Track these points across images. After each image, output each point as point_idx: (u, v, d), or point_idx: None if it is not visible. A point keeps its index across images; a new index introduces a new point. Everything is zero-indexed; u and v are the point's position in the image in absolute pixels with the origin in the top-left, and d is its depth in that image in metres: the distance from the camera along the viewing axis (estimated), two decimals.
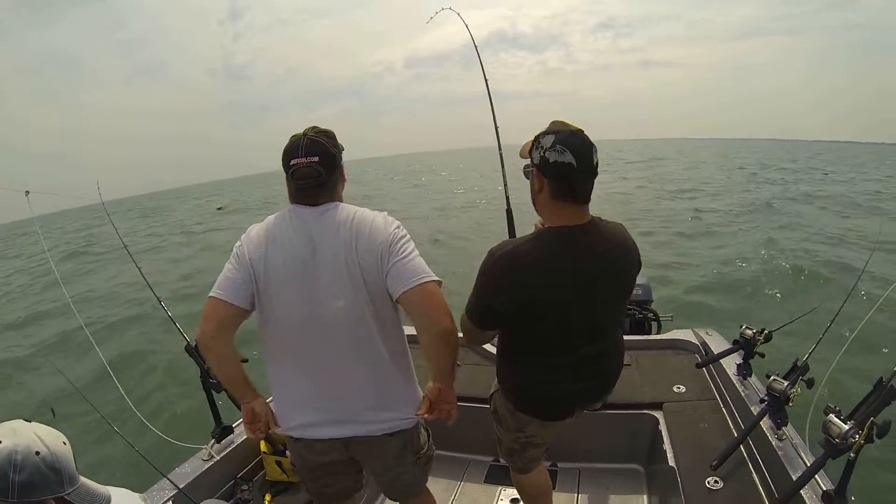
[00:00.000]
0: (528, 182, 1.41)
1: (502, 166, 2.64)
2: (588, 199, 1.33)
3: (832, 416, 1.38)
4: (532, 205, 1.42)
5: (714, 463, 1.74)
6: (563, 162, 1.25)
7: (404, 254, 1.32)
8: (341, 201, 1.41)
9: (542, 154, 1.28)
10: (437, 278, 1.32)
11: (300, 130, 1.36)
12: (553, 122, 1.33)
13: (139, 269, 2.33)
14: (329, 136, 1.37)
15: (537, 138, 1.31)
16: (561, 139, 1.26)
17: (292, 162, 1.33)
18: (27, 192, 2.24)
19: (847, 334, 1.89)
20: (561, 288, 1.31)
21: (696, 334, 2.67)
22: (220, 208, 32.52)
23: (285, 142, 1.37)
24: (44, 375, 6.31)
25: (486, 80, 2.76)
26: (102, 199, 2.60)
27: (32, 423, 0.89)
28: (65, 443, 0.89)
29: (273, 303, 1.33)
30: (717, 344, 2.49)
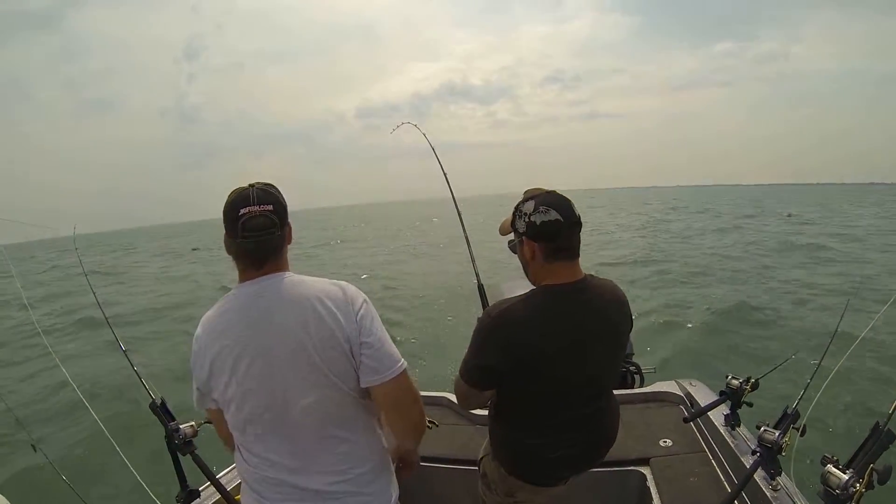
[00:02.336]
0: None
1: (468, 244, 2.71)
2: (578, 254, 1.36)
3: (830, 467, 1.35)
4: (525, 275, 1.44)
5: None
6: (550, 220, 1.29)
7: (373, 338, 1.17)
8: (287, 268, 1.24)
9: (527, 220, 1.32)
10: (405, 363, 1.21)
11: (248, 175, 1.25)
12: (527, 191, 1.37)
13: (107, 320, 2.19)
14: (277, 189, 1.22)
15: (517, 209, 1.35)
16: (541, 201, 1.31)
17: (242, 211, 1.14)
18: None
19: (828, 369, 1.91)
20: (557, 345, 1.31)
21: (681, 385, 2.65)
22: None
23: (232, 186, 1.21)
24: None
25: (445, 177, 2.88)
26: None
27: None
28: None
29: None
30: (701, 395, 2.48)
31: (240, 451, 1.26)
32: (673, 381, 2.72)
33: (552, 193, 1.33)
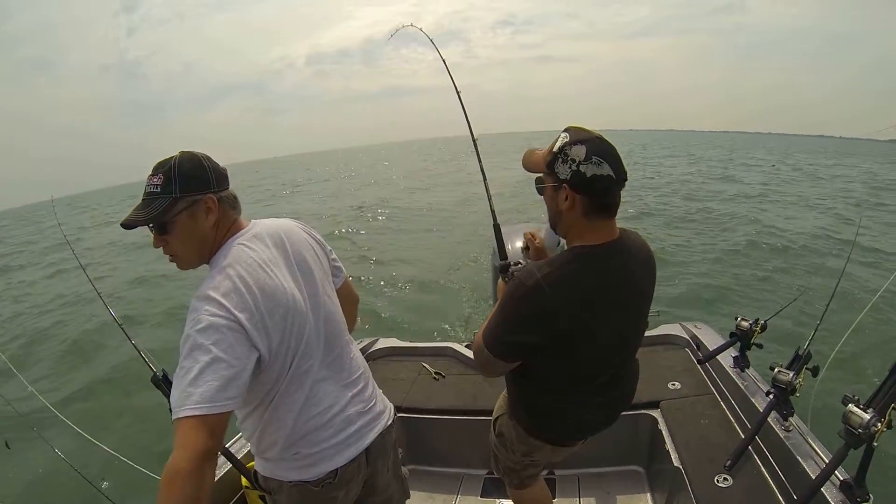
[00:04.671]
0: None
1: (485, 182, 2.36)
2: (616, 212, 1.21)
3: (852, 406, 1.35)
4: (550, 223, 1.29)
5: (728, 463, 1.70)
6: (602, 175, 1.12)
7: None
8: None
9: (574, 167, 1.13)
10: None
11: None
12: (572, 129, 1.18)
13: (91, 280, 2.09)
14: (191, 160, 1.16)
15: (563, 150, 1.15)
16: (594, 149, 1.13)
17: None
18: None
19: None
20: (599, 314, 1.21)
21: (686, 328, 2.65)
22: None
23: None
24: None
25: (457, 93, 2.35)
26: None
27: None
28: None
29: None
30: (708, 337, 2.48)
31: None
32: (677, 324, 2.71)
33: (604, 142, 1.14)
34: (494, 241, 2.16)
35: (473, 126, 2.30)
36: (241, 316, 1.03)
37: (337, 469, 1.24)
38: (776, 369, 1.74)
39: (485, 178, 2.33)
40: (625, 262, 1.24)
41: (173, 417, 0.96)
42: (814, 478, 1.49)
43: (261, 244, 1.19)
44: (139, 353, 1.83)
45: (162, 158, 1.14)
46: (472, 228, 12.04)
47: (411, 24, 2.61)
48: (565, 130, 1.19)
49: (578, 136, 1.15)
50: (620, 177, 1.14)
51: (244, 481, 1.86)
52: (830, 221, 12.02)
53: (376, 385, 1.43)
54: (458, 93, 2.28)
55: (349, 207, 18.97)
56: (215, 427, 0.96)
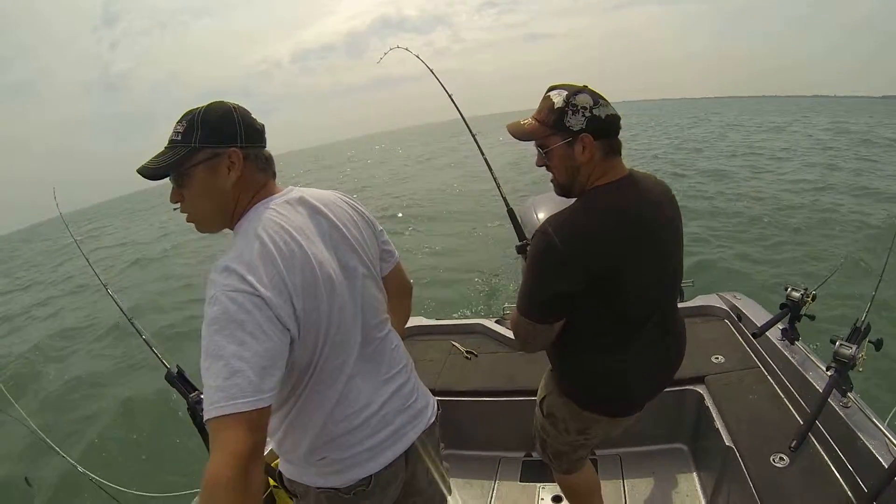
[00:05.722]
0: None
1: (490, 169, 2.38)
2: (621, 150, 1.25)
3: None
4: (561, 189, 1.27)
5: (793, 444, 1.58)
6: (613, 114, 1.18)
7: None
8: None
9: (588, 114, 1.15)
10: None
11: None
12: (557, 86, 1.20)
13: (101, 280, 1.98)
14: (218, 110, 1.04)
15: (569, 102, 1.15)
16: (594, 95, 1.17)
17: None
18: None
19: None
20: (632, 245, 1.18)
21: (724, 299, 2.51)
22: None
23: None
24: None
25: (451, 98, 2.50)
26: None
27: None
28: None
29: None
30: (749, 307, 2.34)
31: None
32: (714, 295, 2.57)
33: (592, 89, 1.19)
34: (512, 225, 2.19)
35: (465, 110, 2.42)
36: (266, 292, 0.88)
37: (371, 476, 1.09)
38: (837, 343, 1.62)
39: (490, 169, 2.36)
40: (644, 189, 1.24)
41: (205, 418, 0.83)
42: (881, 459, 1.39)
43: (293, 211, 1.03)
44: (151, 348, 1.73)
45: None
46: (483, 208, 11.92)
47: (400, 46, 2.69)
48: (552, 89, 1.20)
49: (573, 88, 1.18)
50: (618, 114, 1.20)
51: (270, 481, 1.77)
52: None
53: (419, 378, 1.28)
54: (455, 104, 2.43)
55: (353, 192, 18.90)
56: (256, 423, 0.82)
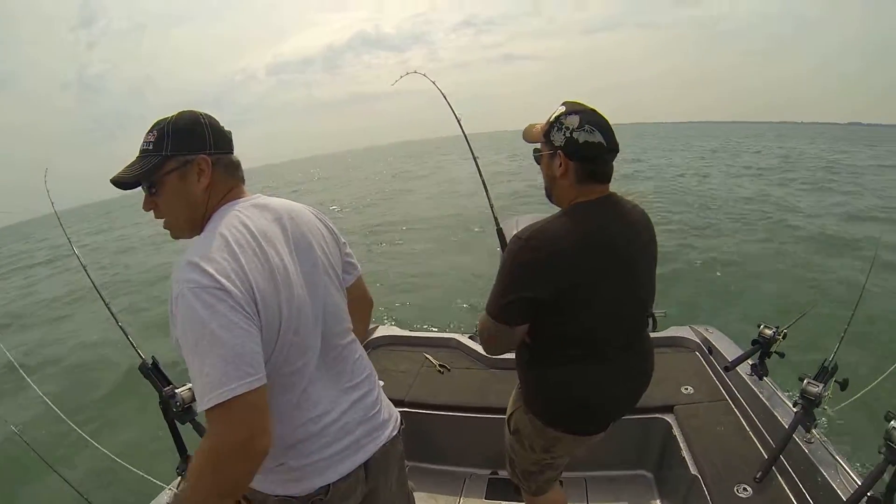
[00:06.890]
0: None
1: (484, 185, 2.50)
2: (610, 179, 1.28)
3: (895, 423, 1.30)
4: (545, 192, 1.35)
5: (758, 475, 1.63)
6: (594, 142, 1.20)
7: None
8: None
9: (567, 135, 1.21)
10: None
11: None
12: (568, 102, 1.26)
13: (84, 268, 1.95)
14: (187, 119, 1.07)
15: (559, 119, 1.23)
16: (587, 119, 1.21)
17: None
18: None
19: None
20: (602, 261, 1.22)
21: (696, 331, 2.57)
22: None
23: None
24: None
25: (458, 121, 2.62)
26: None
27: None
28: None
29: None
30: (720, 341, 2.40)
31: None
32: (687, 327, 2.64)
33: (596, 113, 1.23)
34: (499, 243, 2.29)
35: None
36: (226, 282, 0.89)
37: (329, 485, 1.08)
38: (805, 380, 1.69)
39: (486, 188, 2.50)
40: (622, 211, 1.28)
41: (198, 409, 0.86)
42: (840, 493, 1.45)
43: (257, 213, 1.05)
44: (127, 338, 1.70)
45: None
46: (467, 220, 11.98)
47: (416, 71, 2.86)
48: (562, 104, 1.26)
49: (574, 107, 1.24)
50: (611, 146, 1.22)
51: None
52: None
53: (382, 391, 1.28)
54: (459, 122, 2.55)
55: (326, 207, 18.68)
56: (253, 406, 0.87)
